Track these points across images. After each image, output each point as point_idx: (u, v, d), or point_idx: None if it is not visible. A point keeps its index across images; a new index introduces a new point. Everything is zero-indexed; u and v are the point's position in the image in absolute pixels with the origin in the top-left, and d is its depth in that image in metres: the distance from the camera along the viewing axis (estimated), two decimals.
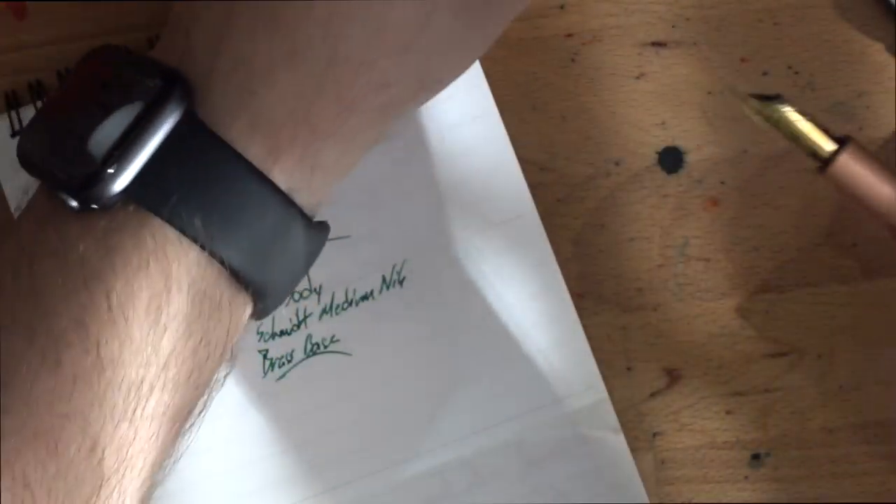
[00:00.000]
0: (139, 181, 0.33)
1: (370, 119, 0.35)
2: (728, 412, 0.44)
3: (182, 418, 0.35)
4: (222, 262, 0.33)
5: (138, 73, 0.33)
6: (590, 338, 0.43)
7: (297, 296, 0.43)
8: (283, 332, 0.43)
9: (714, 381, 0.44)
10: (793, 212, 0.44)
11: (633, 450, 0.43)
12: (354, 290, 0.43)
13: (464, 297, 0.43)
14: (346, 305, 0.43)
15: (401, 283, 0.43)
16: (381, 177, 0.43)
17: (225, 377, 0.37)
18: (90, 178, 0.33)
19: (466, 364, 0.43)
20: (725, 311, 0.44)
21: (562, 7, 0.44)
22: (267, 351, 0.43)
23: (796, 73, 0.44)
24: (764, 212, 0.44)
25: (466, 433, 0.43)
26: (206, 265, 0.33)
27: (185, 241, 0.33)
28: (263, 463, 0.43)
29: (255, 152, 0.34)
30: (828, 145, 0.37)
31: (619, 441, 0.43)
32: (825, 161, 0.37)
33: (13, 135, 0.42)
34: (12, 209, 0.42)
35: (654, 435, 0.44)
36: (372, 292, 0.43)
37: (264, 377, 0.43)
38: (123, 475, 0.33)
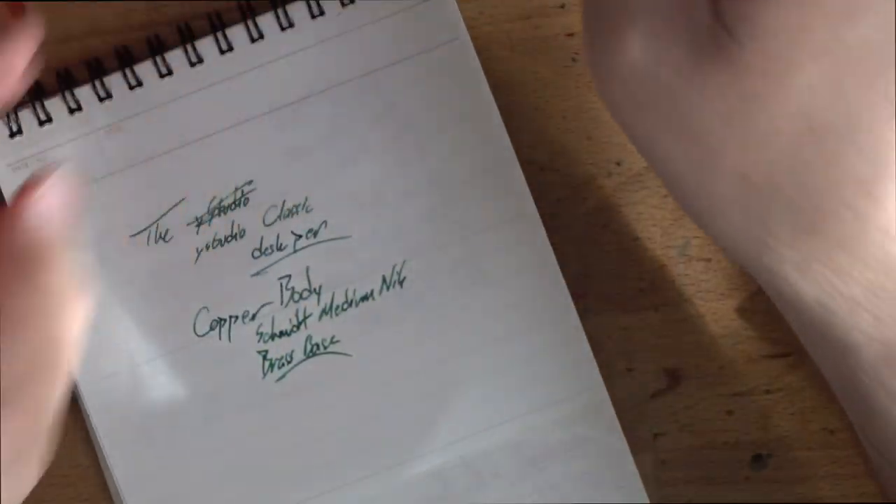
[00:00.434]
0: None
1: None
2: (729, 413, 0.44)
3: None
4: None
5: None
6: (590, 338, 0.43)
7: (297, 296, 0.43)
8: (282, 333, 0.43)
9: (715, 382, 0.44)
10: None
11: (634, 450, 0.43)
12: (354, 291, 0.43)
13: (463, 298, 0.43)
14: (345, 306, 0.43)
15: (401, 283, 0.43)
16: (382, 177, 0.43)
17: None
18: None
19: (466, 365, 0.43)
20: (726, 312, 0.44)
21: (562, 6, 0.44)
22: (266, 352, 0.43)
23: None
24: None
25: (466, 434, 0.43)
26: None
27: None
28: (263, 464, 0.43)
29: None
30: None
31: (620, 442, 0.43)
32: None
33: (11, 135, 0.42)
34: None
35: (655, 436, 0.44)
36: (372, 293, 0.43)
37: (264, 378, 0.43)
38: None
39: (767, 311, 0.44)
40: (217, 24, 0.43)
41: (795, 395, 0.44)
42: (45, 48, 0.43)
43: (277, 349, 0.43)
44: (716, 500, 0.44)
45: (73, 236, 0.42)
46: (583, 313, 0.43)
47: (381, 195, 0.43)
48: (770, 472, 0.44)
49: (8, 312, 0.32)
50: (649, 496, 0.43)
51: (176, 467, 0.43)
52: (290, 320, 0.43)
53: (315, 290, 0.43)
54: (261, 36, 0.43)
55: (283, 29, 0.43)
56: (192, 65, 0.43)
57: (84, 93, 0.42)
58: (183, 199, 0.43)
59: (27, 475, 0.34)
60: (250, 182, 0.43)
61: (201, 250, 0.43)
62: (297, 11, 0.43)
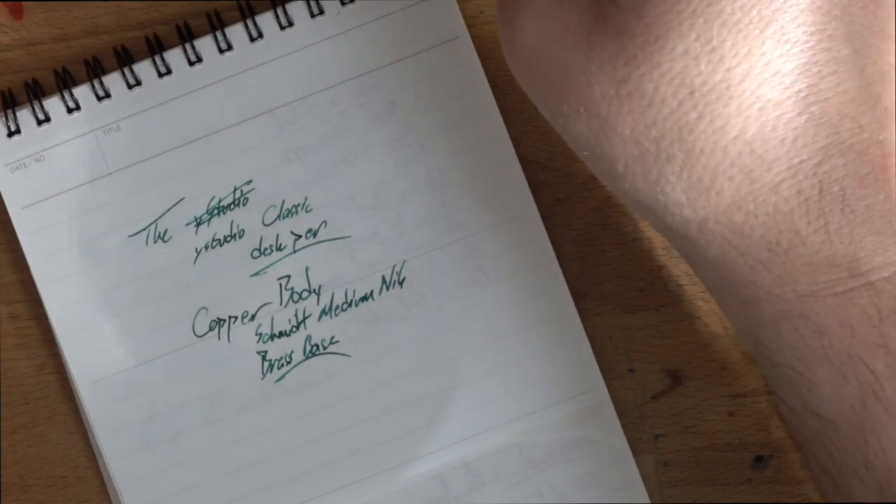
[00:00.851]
0: None
1: None
2: (731, 414, 0.44)
3: None
4: None
5: None
6: (591, 339, 0.43)
7: (296, 297, 0.43)
8: (282, 334, 0.43)
9: (716, 383, 0.44)
10: None
11: (635, 452, 0.43)
12: (354, 291, 0.43)
13: (464, 298, 0.43)
14: (345, 306, 0.43)
15: (401, 283, 0.43)
16: (382, 177, 0.43)
17: None
18: None
19: (467, 365, 0.43)
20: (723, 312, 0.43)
21: None
22: (266, 352, 0.43)
23: None
24: None
25: (466, 435, 0.43)
26: None
27: None
28: (262, 465, 0.43)
29: None
30: None
31: (621, 443, 0.43)
32: None
33: (10, 135, 0.42)
34: (9, 210, 0.42)
35: (656, 437, 0.44)
36: (372, 293, 0.43)
37: (263, 378, 0.43)
38: None
39: None
40: (216, 24, 0.43)
41: None
42: (42, 47, 0.43)
43: (277, 349, 0.43)
44: (717, 501, 0.44)
45: (72, 236, 0.43)
46: (583, 314, 0.43)
47: (380, 195, 0.43)
48: (772, 474, 0.44)
49: None
50: (650, 497, 0.43)
51: (175, 468, 0.43)
52: (290, 321, 0.43)
53: (315, 290, 0.43)
54: (260, 35, 0.43)
55: (282, 28, 0.43)
56: (191, 64, 0.43)
57: (82, 92, 0.42)
58: (182, 199, 0.43)
59: None
60: (249, 182, 0.43)
61: (200, 250, 0.43)
62: (297, 10, 0.43)
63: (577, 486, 0.43)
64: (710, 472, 0.44)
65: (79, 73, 0.43)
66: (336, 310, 0.43)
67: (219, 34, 0.42)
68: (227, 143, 0.43)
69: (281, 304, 0.43)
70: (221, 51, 0.43)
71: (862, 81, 0.32)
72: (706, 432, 0.44)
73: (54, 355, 0.43)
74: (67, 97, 0.42)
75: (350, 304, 0.43)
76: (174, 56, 0.42)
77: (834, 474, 0.34)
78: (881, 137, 0.32)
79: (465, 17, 0.43)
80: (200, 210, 0.43)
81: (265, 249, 0.43)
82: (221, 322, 0.43)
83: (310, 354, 0.43)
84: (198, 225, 0.43)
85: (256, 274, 0.43)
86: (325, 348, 0.43)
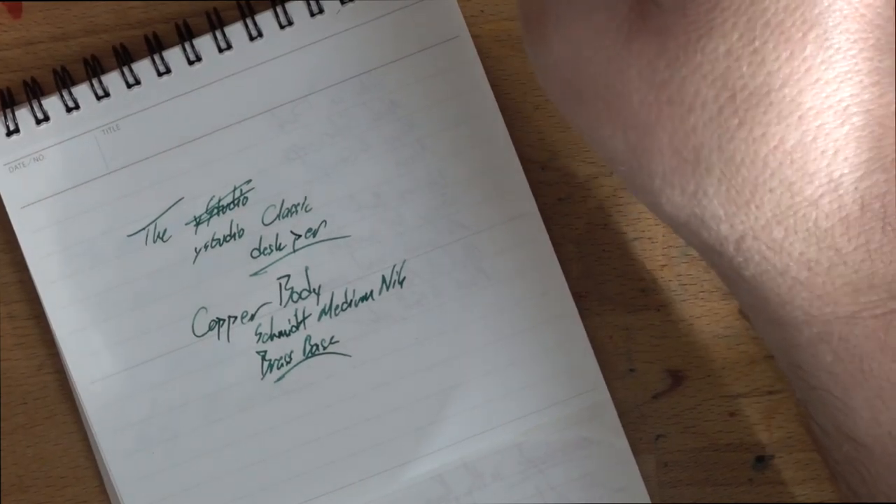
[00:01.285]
0: None
1: None
2: (731, 414, 0.44)
3: None
4: None
5: None
6: (592, 339, 0.43)
7: (296, 296, 0.43)
8: (281, 333, 0.43)
9: (717, 383, 0.43)
10: None
11: (636, 452, 0.43)
12: (354, 291, 0.43)
13: (464, 298, 0.43)
14: (345, 306, 0.43)
15: (401, 283, 0.43)
16: (382, 177, 0.43)
17: None
18: None
19: (467, 365, 0.43)
20: (729, 312, 0.43)
21: None
22: (266, 352, 0.43)
23: None
24: None
25: (467, 435, 0.43)
26: None
27: None
28: (262, 465, 0.43)
29: None
30: None
31: (622, 443, 0.43)
32: None
33: (8, 134, 0.42)
34: (8, 209, 0.42)
35: (657, 437, 0.44)
36: (371, 293, 0.43)
37: (263, 378, 0.43)
38: None
39: None
40: (216, 23, 0.42)
41: None
42: (41, 46, 0.43)
43: (276, 349, 0.43)
44: (718, 501, 0.44)
45: (71, 236, 0.42)
46: (584, 313, 0.43)
47: (380, 195, 0.43)
48: (772, 474, 0.44)
49: None
50: (651, 498, 0.43)
51: (174, 468, 0.43)
52: (290, 320, 0.43)
53: (314, 290, 0.43)
54: (260, 34, 0.42)
55: (282, 27, 0.42)
56: (191, 63, 0.42)
57: (82, 91, 0.42)
58: (181, 199, 0.43)
59: None
60: (249, 181, 0.43)
61: (200, 250, 0.43)
62: (297, 10, 0.42)
63: (578, 486, 0.43)
64: (710, 472, 0.44)
65: (78, 73, 0.43)
66: (336, 310, 0.43)
67: (218, 33, 0.42)
68: (226, 143, 0.43)
69: (281, 304, 0.43)
70: (221, 50, 0.42)
71: None
72: (707, 432, 0.44)
73: (53, 355, 0.43)
74: (66, 96, 0.42)
75: (350, 304, 0.43)
76: (174, 55, 0.42)
77: (864, 498, 0.34)
78: None
79: (465, 17, 0.43)
80: (200, 210, 0.43)
81: (265, 249, 0.43)
82: (221, 322, 0.43)
83: (310, 354, 0.43)
84: (197, 225, 0.43)
85: (256, 274, 0.43)
86: (324, 348, 0.43)
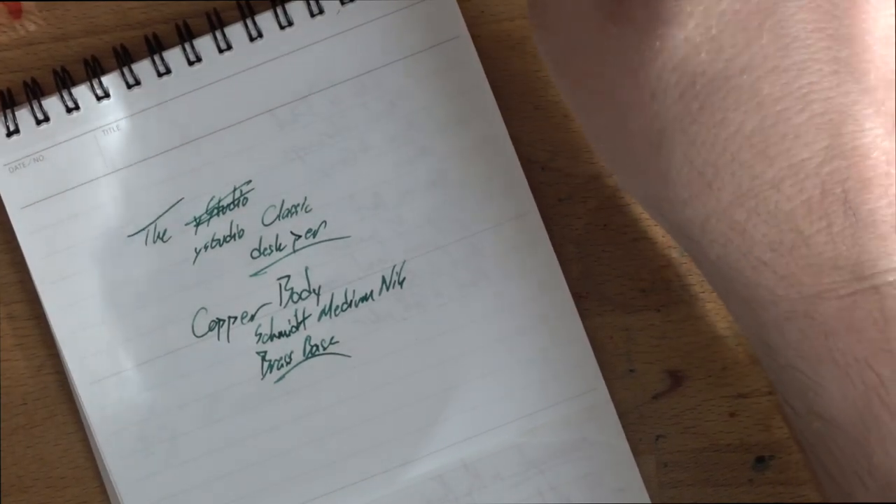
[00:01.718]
0: None
1: None
2: (731, 415, 0.44)
3: None
4: None
5: None
6: (592, 339, 0.43)
7: (296, 297, 0.43)
8: (281, 334, 0.43)
9: (717, 384, 0.43)
10: None
11: (636, 452, 0.43)
12: (354, 291, 0.43)
13: (464, 298, 0.43)
14: (345, 306, 0.43)
15: (401, 283, 0.43)
16: (382, 177, 0.43)
17: None
18: None
19: (467, 366, 0.43)
20: (728, 313, 0.43)
21: None
22: (266, 352, 0.43)
23: None
24: None
25: (467, 435, 0.43)
26: None
27: None
28: (262, 466, 0.43)
29: None
30: None
31: (622, 444, 0.43)
32: None
33: (8, 135, 0.42)
34: (8, 210, 0.42)
35: (657, 438, 0.44)
36: (371, 293, 0.43)
37: (263, 379, 0.43)
38: None
39: None
40: (216, 23, 0.42)
41: None
42: (41, 47, 0.43)
43: (276, 350, 0.43)
44: (718, 502, 0.44)
45: (71, 237, 0.42)
46: (584, 314, 0.43)
47: (380, 195, 0.43)
48: (773, 475, 0.43)
49: None
50: (651, 498, 0.43)
51: (174, 469, 0.43)
52: (290, 321, 0.43)
53: (314, 290, 0.43)
54: (260, 35, 0.42)
55: (282, 27, 0.42)
56: (191, 64, 0.42)
57: (82, 92, 0.42)
58: (181, 199, 0.43)
59: None
60: (249, 182, 0.43)
61: (200, 250, 0.43)
62: (297, 10, 0.42)
63: (578, 486, 0.43)
64: (710, 472, 0.44)
65: (78, 73, 0.43)
66: (336, 310, 0.43)
67: (218, 34, 0.42)
68: (226, 143, 0.43)
69: (280, 305, 0.43)
70: (221, 50, 0.42)
71: (864, 85, 0.32)
72: (707, 433, 0.44)
73: (53, 356, 0.43)
74: (66, 97, 0.42)
75: (350, 305, 0.43)
76: (174, 56, 0.42)
77: (836, 476, 0.34)
78: (885, 144, 0.32)
79: (465, 17, 0.43)
80: (200, 210, 0.43)
81: (265, 249, 0.43)
82: (221, 322, 0.43)
83: (310, 355, 0.43)
84: (197, 225, 0.43)
85: (256, 274, 0.43)
86: (324, 348, 0.43)
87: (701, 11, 0.31)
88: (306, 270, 0.43)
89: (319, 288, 0.43)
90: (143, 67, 0.42)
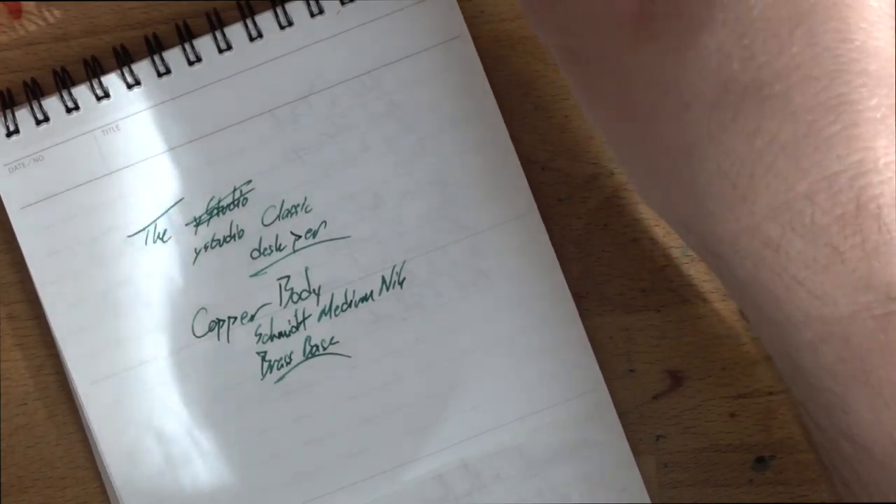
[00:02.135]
0: None
1: None
2: (732, 415, 0.43)
3: None
4: None
5: None
6: (592, 339, 0.43)
7: (295, 297, 0.43)
8: (281, 334, 0.43)
9: (717, 384, 0.43)
10: None
11: (636, 453, 0.43)
12: (354, 292, 0.43)
13: (464, 299, 0.43)
14: (345, 307, 0.43)
15: (401, 284, 0.43)
16: (382, 177, 0.43)
17: None
18: None
19: (467, 366, 0.43)
20: (729, 313, 0.43)
21: None
22: (265, 353, 0.43)
23: None
24: None
25: (467, 436, 0.43)
26: None
27: None
28: (262, 466, 0.43)
29: None
30: None
31: (622, 444, 0.43)
32: None
33: (8, 135, 0.42)
34: (8, 210, 0.42)
35: (657, 438, 0.44)
36: (371, 293, 0.43)
37: (262, 379, 0.43)
38: None
39: None
40: (216, 23, 0.43)
41: None
42: (41, 47, 0.43)
43: (276, 350, 0.43)
44: (718, 502, 0.43)
45: (71, 236, 0.42)
46: (584, 314, 0.43)
47: (380, 195, 0.43)
48: (773, 475, 0.43)
49: None
50: (651, 498, 0.43)
51: (174, 469, 0.43)
52: (290, 321, 0.43)
53: (314, 290, 0.43)
54: (260, 35, 0.42)
55: (282, 27, 0.42)
56: (191, 64, 0.42)
57: (81, 92, 0.42)
58: (181, 199, 0.43)
59: None
60: (249, 182, 0.43)
61: (200, 251, 0.43)
62: (297, 10, 0.42)
63: (578, 486, 0.43)
64: (711, 473, 0.44)
65: (78, 73, 0.43)
66: (336, 310, 0.43)
67: (218, 34, 0.42)
68: (226, 143, 0.43)
69: (280, 305, 0.43)
70: (221, 50, 0.42)
71: (893, 100, 0.31)
72: (707, 433, 0.44)
73: (53, 356, 0.43)
74: (66, 97, 0.42)
75: (350, 305, 0.43)
76: (174, 56, 0.42)
77: (859, 494, 0.34)
78: None
79: (465, 17, 0.43)
80: (200, 210, 0.43)
81: (265, 250, 0.43)
82: (221, 322, 0.43)
83: (309, 355, 0.43)
84: (197, 225, 0.43)
85: (256, 274, 0.43)
86: (324, 349, 0.43)
87: (733, 20, 0.31)
88: (306, 271, 0.43)
89: (319, 288, 0.43)
90: (143, 67, 0.42)
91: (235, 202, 0.43)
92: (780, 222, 0.32)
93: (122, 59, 0.42)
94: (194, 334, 0.43)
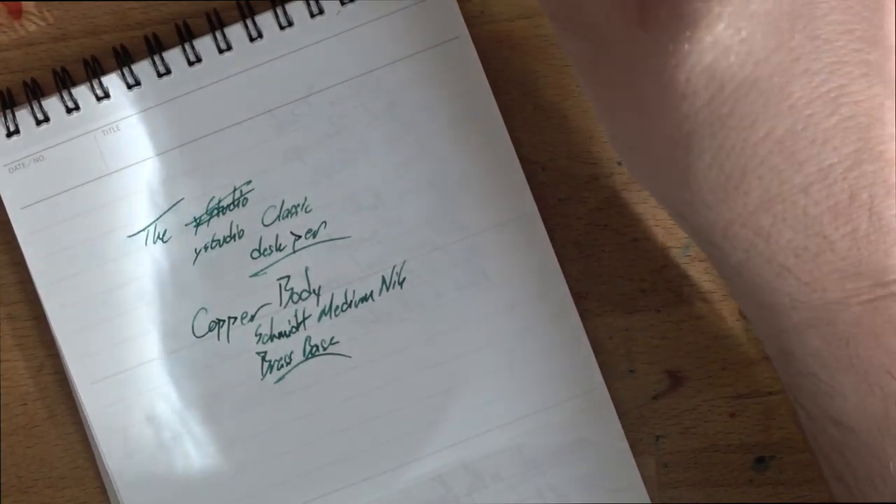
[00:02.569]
0: None
1: None
2: (731, 415, 0.43)
3: None
4: None
5: None
6: (592, 339, 0.43)
7: (296, 297, 0.43)
8: (281, 334, 0.43)
9: (717, 384, 0.43)
10: None
11: (636, 453, 0.43)
12: (354, 292, 0.43)
13: (464, 298, 0.43)
14: (345, 307, 0.43)
15: (401, 284, 0.43)
16: (381, 177, 0.43)
17: None
18: None
19: (467, 366, 0.43)
20: (729, 313, 0.43)
21: None
22: (266, 353, 0.43)
23: None
24: None
25: (467, 436, 0.43)
26: None
27: None
28: (262, 466, 0.43)
29: None
30: None
31: (622, 444, 0.43)
32: None
33: (9, 135, 0.42)
34: (8, 210, 0.42)
35: (657, 438, 0.43)
36: (371, 294, 0.43)
37: (263, 379, 0.43)
38: None
39: None
40: (216, 23, 0.43)
41: None
42: (41, 47, 0.43)
43: (276, 350, 0.43)
44: (718, 502, 0.43)
45: (71, 237, 0.42)
46: (584, 314, 0.43)
47: (380, 195, 0.43)
48: (773, 475, 0.43)
49: None
50: (651, 498, 0.43)
51: (174, 469, 0.43)
52: (290, 321, 0.43)
53: (314, 290, 0.43)
54: (259, 35, 0.42)
55: (282, 28, 0.42)
56: (191, 64, 0.42)
57: (81, 92, 0.42)
58: (181, 200, 0.43)
59: None
60: (249, 182, 0.43)
61: (200, 251, 0.43)
62: (297, 10, 0.42)
63: (578, 487, 0.43)
64: (710, 473, 0.44)
65: (78, 73, 0.43)
66: (336, 310, 0.43)
67: (218, 34, 0.42)
68: (226, 143, 0.43)
69: (280, 305, 0.43)
70: (221, 51, 0.42)
71: (892, 88, 0.32)
72: (707, 433, 0.44)
73: (53, 356, 0.43)
74: (66, 97, 0.42)
75: (350, 305, 0.43)
76: (173, 56, 0.42)
77: (848, 481, 0.34)
78: None
79: (465, 17, 0.43)
80: (200, 210, 0.43)
81: (265, 250, 0.43)
82: (221, 323, 0.43)
83: (309, 355, 0.43)
84: (197, 225, 0.43)
85: (256, 274, 0.43)
86: (324, 349, 0.43)
87: (730, 13, 0.31)
88: (306, 271, 0.43)
89: (319, 288, 0.43)
90: (143, 67, 0.42)
91: (235, 202, 0.43)
92: (772, 213, 0.32)
93: (122, 59, 0.42)
94: (194, 334, 0.43)
